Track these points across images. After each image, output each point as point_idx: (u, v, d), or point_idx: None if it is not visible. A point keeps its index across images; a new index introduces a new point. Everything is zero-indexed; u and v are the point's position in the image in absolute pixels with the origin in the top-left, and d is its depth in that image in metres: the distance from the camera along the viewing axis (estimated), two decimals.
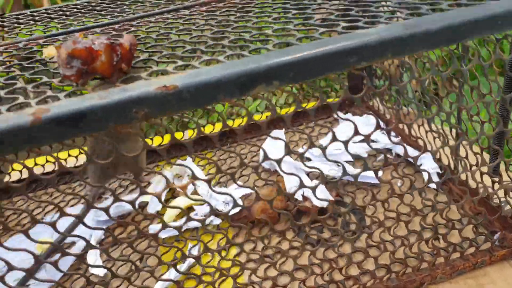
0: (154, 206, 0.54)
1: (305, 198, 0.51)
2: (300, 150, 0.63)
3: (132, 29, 0.40)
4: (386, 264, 0.42)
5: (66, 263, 0.49)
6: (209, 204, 0.35)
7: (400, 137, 0.62)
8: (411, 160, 0.58)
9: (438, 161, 0.54)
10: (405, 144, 0.60)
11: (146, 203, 0.55)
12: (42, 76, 0.30)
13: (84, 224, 0.30)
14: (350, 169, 0.57)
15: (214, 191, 0.34)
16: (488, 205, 0.47)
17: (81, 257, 0.46)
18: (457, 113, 0.48)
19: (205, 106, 0.26)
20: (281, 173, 0.56)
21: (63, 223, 0.53)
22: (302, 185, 0.35)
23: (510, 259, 0.44)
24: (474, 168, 0.43)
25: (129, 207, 0.54)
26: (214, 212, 0.38)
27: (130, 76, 0.27)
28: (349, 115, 0.71)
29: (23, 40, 0.39)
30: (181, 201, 0.54)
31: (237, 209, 0.48)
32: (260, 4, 0.42)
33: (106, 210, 0.30)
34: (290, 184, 0.53)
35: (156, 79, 0.25)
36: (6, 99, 0.28)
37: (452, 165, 0.52)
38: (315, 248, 0.45)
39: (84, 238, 0.33)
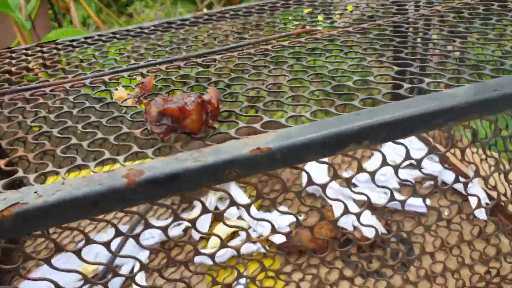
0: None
1: (354, 228, 0.52)
2: (345, 174, 0.63)
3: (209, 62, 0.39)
4: None
5: (114, 285, 0.50)
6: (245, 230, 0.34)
7: (446, 164, 0.62)
8: (457, 188, 0.58)
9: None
10: (449, 172, 0.61)
11: (189, 227, 0.55)
12: (122, 125, 0.30)
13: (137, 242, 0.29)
14: (398, 196, 0.57)
15: (253, 217, 0.33)
16: None
17: (132, 278, 0.47)
18: None
19: (293, 165, 0.26)
20: (328, 200, 0.57)
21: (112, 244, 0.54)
22: (345, 212, 0.35)
23: None
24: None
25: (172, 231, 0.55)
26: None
27: (217, 132, 0.28)
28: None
29: (88, 76, 0.40)
30: (223, 229, 0.54)
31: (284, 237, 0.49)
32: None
33: (164, 229, 0.29)
34: (340, 211, 0.53)
35: (248, 140, 0.26)
36: (90, 152, 0.29)
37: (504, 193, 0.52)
38: (365, 279, 0.45)
39: (136, 258, 0.31)
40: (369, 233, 0.50)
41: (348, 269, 0.49)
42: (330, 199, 0.35)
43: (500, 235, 0.51)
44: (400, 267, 0.48)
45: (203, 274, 0.48)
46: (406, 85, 0.31)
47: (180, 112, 0.25)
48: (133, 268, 0.53)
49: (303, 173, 0.34)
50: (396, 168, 0.33)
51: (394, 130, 0.27)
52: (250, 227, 0.54)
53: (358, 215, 0.35)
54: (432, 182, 0.59)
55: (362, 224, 0.36)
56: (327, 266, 0.49)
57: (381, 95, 0.30)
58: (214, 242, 0.53)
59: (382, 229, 0.51)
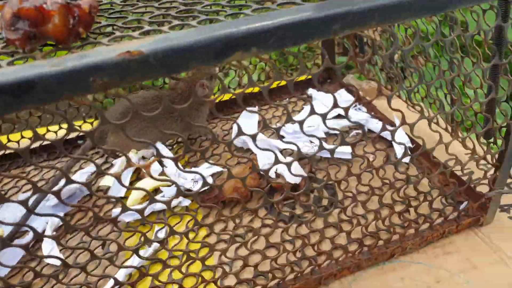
0: (117, 190, 0.51)
1: (278, 175, 0.50)
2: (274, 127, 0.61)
3: None
4: (359, 238, 0.42)
5: (15, 254, 0.46)
6: (176, 184, 0.32)
7: (372, 113, 0.62)
8: (383, 135, 0.58)
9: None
10: (375, 120, 0.61)
11: (108, 187, 0.52)
12: None
13: (36, 214, 0.26)
14: (325, 145, 0.56)
15: (181, 169, 0.31)
16: (456, 176, 0.48)
17: (28, 248, 0.43)
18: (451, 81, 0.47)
19: (175, 73, 0.24)
20: (254, 150, 0.55)
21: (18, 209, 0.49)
22: (276, 162, 0.34)
23: (475, 227, 0.45)
24: (447, 141, 0.43)
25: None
26: (181, 192, 0.36)
27: (89, 42, 0.24)
28: (321, 93, 0.70)
29: None
30: (146, 183, 0.51)
31: (207, 188, 0.47)
32: None
33: (56, 194, 0.26)
34: (263, 161, 0.51)
35: (118, 45, 0.22)
36: None
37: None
38: (288, 225, 0.44)
39: (32, 228, 0.27)
40: (293, 179, 0.48)
41: (271, 217, 0.47)
42: (260, 149, 0.33)
43: (420, 175, 0.51)
44: (322, 212, 0.48)
45: (124, 231, 0.45)
46: None
47: (38, 13, 0.22)
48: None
49: (234, 125, 0.32)
50: (324, 116, 0.32)
51: (285, 36, 0.25)
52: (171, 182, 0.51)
53: (288, 166, 0.34)
54: (358, 131, 0.59)
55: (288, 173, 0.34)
56: (250, 215, 0.48)
57: (275, 5, 0.28)
58: (133, 199, 0.50)
59: (304, 173, 0.50)
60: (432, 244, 0.44)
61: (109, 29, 0.27)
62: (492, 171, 0.42)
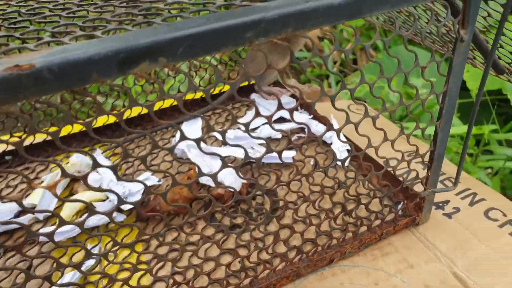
0: (46, 205, 0.48)
1: (218, 184, 0.49)
2: (216, 134, 0.60)
3: None
4: (296, 245, 0.41)
5: None
6: (115, 193, 0.29)
7: (312, 116, 0.62)
8: (324, 139, 0.59)
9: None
10: (314, 122, 0.61)
11: (34, 206, 0.48)
12: None
13: None
14: (263, 151, 0.56)
15: (120, 178, 0.29)
16: (392, 177, 0.49)
17: None
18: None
19: (75, 87, 0.22)
20: (194, 159, 0.54)
21: None
22: (211, 171, 0.33)
23: (412, 227, 0.46)
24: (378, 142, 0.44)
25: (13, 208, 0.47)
26: (122, 201, 0.34)
27: None
28: (261, 98, 0.69)
29: None
30: (80, 198, 0.48)
31: (143, 202, 0.45)
32: None
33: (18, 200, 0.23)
34: (203, 170, 0.50)
35: (7, 58, 0.21)
36: None
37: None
38: (225, 236, 0.43)
39: None
40: (232, 188, 0.47)
41: (211, 228, 0.46)
42: (205, 152, 0.31)
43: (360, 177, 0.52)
44: (263, 219, 0.47)
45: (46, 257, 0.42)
46: (218, 3, 0.29)
47: None
48: None
49: (178, 132, 0.31)
50: (269, 118, 0.31)
51: (195, 46, 0.24)
52: (107, 198, 0.49)
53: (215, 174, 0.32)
54: (300, 135, 0.59)
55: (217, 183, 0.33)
56: (190, 227, 0.46)
57: (189, 13, 0.27)
58: (65, 216, 0.47)
59: (242, 180, 0.49)
60: (371, 246, 0.44)
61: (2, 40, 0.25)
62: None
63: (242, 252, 0.43)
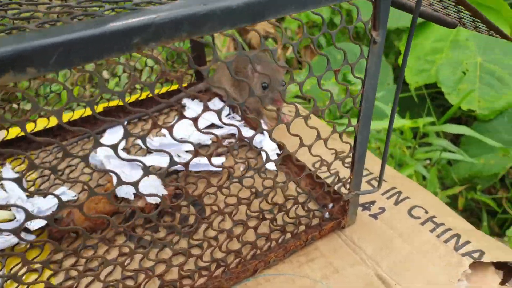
0: None
1: (138, 197, 0.46)
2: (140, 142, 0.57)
3: None
4: (219, 258, 0.40)
5: None
6: (24, 209, 0.26)
7: (244, 120, 0.61)
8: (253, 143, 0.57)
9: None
10: (246, 128, 0.60)
11: None
12: None
13: None
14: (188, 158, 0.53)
15: (26, 191, 0.26)
16: (319, 179, 0.48)
17: None
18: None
19: None
20: (111, 170, 0.51)
21: None
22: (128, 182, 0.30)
23: (338, 230, 0.46)
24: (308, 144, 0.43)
25: None
26: (32, 216, 0.30)
27: None
28: (195, 102, 0.67)
29: None
30: None
31: (56, 219, 0.41)
32: None
33: None
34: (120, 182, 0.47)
35: None
36: None
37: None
38: (146, 250, 0.41)
39: None
40: (154, 200, 0.45)
41: (130, 243, 0.43)
42: (126, 160, 0.28)
43: (290, 182, 0.51)
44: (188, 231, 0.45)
45: None
46: (107, 6, 0.26)
47: None
48: None
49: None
50: (195, 119, 0.29)
51: (70, 54, 0.22)
52: (15, 217, 0.45)
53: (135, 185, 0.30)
54: (231, 140, 0.58)
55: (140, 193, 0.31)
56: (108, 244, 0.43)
57: (71, 18, 0.25)
58: None
59: (164, 191, 0.47)
60: (297, 253, 0.43)
61: None
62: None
63: (160, 268, 0.40)
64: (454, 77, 1.14)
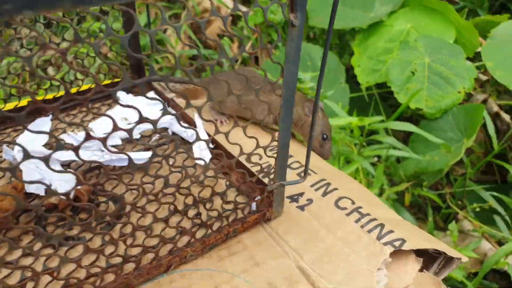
0: None
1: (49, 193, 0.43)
2: (67, 137, 0.53)
3: None
4: (131, 255, 0.37)
5: None
6: None
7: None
8: (185, 137, 0.56)
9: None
10: (186, 121, 0.58)
11: None
12: None
13: None
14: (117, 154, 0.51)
15: None
16: (250, 172, 0.47)
17: None
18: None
19: None
20: (21, 165, 0.47)
21: None
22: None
23: (264, 223, 0.44)
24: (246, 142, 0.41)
25: None
26: None
27: None
28: (130, 96, 0.64)
29: None
30: None
31: None
32: None
33: None
34: (32, 176, 0.44)
35: None
36: None
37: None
38: (56, 249, 0.38)
39: None
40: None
41: (38, 242, 0.40)
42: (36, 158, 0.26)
43: (221, 176, 0.49)
44: (105, 227, 0.42)
45: None
46: None
47: None
48: None
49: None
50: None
51: None
52: None
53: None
54: (163, 134, 0.56)
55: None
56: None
57: None
58: None
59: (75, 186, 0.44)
60: (218, 247, 0.41)
61: None
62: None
63: (70, 267, 0.38)
64: (403, 76, 1.16)
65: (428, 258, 0.41)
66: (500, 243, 0.99)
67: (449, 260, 0.42)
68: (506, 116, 1.20)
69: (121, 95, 0.62)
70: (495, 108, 1.22)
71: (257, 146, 0.38)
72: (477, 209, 1.02)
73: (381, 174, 0.97)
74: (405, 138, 1.27)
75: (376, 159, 1.09)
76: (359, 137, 0.99)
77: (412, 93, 1.10)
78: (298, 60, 0.34)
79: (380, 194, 1.03)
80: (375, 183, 0.95)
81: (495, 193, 1.02)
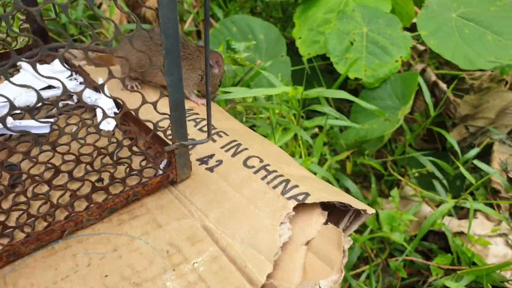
0: None
1: None
2: None
3: None
4: (25, 223, 0.35)
5: None
6: None
7: (84, 80, 0.56)
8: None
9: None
10: (87, 90, 0.55)
11: None
12: None
13: None
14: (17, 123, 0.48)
15: None
16: (158, 138, 0.45)
17: None
18: None
19: None
20: None
21: None
22: None
23: (171, 185, 0.43)
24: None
25: None
26: None
27: None
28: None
29: None
30: None
31: None
32: None
33: None
34: None
35: None
36: None
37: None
38: None
39: None
40: None
41: None
42: None
43: (125, 141, 0.48)
44: None
45: None
46: None
47: None
48: None
49: None
50: None
51: None
52: None
53: None
54: (67, 102, 0.53)
55: None
56: None
57: None
58: None
59: None
60: (120, 211, 0.40)
61: None
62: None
63: None
64: (341, 47, 1.17)
65: (340, 213, 0.42)
66: (439, 206, 1.03)
67: (358, 214, 0.43)
68: (443, 85, 1.24)
69: (24, 64, 0.58)
70: (433, 78, 1.26)
71: (144, 102, 0.37)
72: (416, 175, 1.06)
73: (321, 144, 0.98)
74: (350, 110, 1.29)
75: (317, 130, 1.10)
76: (297, 108, 0.99)
77: (350, 63, 1.11)
78: (175, 5, 0.32)
79: (322, 164, 1.04)
80: (314, 153, 0.96)
81: (432, 159, 1.06)
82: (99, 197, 0.40)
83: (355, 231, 0.90)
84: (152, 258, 0.36)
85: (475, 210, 0.92)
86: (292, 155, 0.97)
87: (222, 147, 0.47)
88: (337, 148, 1.13)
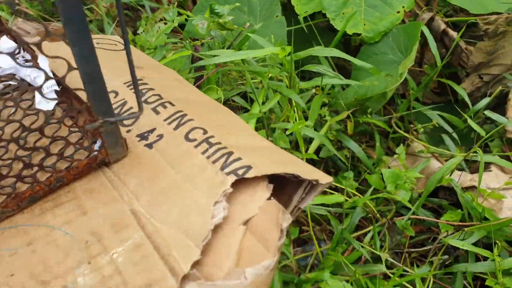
0: None
1: None
2: None
3: None
4: None
5: None
6: None
7: (32, 59, 0.52)
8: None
9: None
10: (30, 70, 0.51)
11: None
12: None
13: None
14: None
15: None
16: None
17: None
18: None
19: None
20: None
21: None
22: None
23: (106, 167, 0.39)
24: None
25: None
26: None
27: None
28: None
29: None
30: None
31: None
32: None
33: None
34: None
35: None
36: None
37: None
38: None
39: None
40: None
41: None
42: None
43: (68, 120, 0.44)
44: None
45: None
46: None
47: None
48: None
49: None
50: None
51: None
52: None
53: None
54: (10, 83, 0.49)
55: None
56: None
57: None
58: None
59: None
60: (43, 199, 0.37)
61: None
62: None
63: None
64: (337, 1, 1.08)
65: (298, 184, 0.37)
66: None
67: (315, 184, 0.38)
68: (453, 33, 1.12)
69: None
70: (442, 26, 1.14)
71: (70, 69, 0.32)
72: (421, 130, 0.98)
73: (318, 106, 0.91)
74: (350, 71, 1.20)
75: (313, 90, 1.02)
76: (288, 69, 0.92)
77: (347, 17, 1.02)
78: None
79: (322, 126, 0.97)
80: (310, 115, 0.90)
81: (440, 113, 0.98)
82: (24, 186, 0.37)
83: (358, 191, 0.84)
84: (68, 250, 0.32)
85: (489, 163, 0.84)
86: (287, 120, 0.91)
87: (165, 120, 0.43)
88: (339, 109, 1.06)
